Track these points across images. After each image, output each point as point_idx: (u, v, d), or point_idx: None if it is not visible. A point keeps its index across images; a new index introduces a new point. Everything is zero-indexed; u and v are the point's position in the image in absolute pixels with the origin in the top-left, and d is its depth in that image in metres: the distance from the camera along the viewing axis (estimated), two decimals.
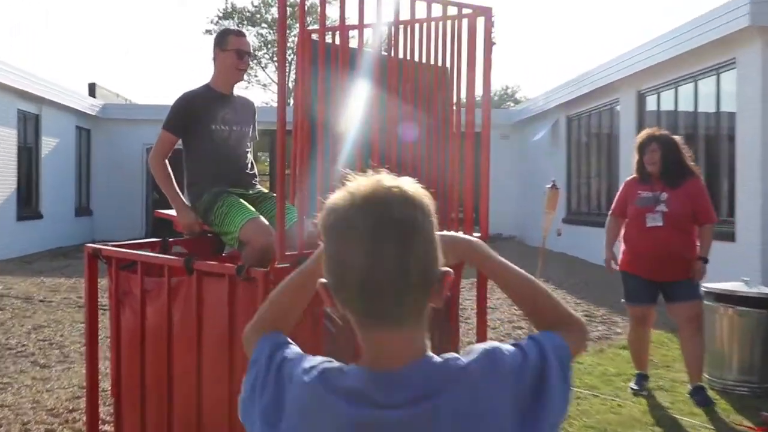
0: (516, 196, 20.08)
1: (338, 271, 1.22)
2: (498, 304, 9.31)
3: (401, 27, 3.67)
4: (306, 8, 3.34)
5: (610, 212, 5.76)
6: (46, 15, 69.19)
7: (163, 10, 67.94)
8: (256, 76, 39.74)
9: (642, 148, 5.56)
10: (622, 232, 5.62)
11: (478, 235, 3.99)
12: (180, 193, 4.31)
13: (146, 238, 17.80)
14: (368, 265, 1.17)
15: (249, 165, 4.45)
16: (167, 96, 73.19)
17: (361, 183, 1.25)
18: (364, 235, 1.18)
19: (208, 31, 38.36)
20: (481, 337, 4.13)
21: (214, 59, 4.38)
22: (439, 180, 3.84)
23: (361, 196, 1.23)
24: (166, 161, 4.32)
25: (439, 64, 3.83)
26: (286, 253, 3.02)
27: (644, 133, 5.65)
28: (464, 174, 3.95)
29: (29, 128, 16.49)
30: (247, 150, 4.45)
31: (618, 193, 5.76)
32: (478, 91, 3.96)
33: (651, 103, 12.84)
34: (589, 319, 8.43)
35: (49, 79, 16.73)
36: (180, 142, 4.33)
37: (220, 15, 38.56)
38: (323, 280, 1.26)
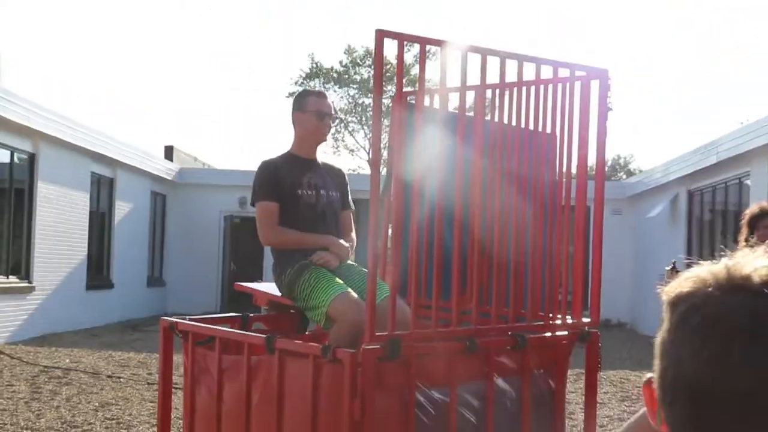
0: (628, 279, 19.69)
1: (695, 383, 0.95)
2: (606, 399, 9.08)
3: (507, 90, 3.73)
4: (403, 68, 3.42)
5: None
6: (125, 75, 70.94)
7: (244, 71, 68.21)
8: (343, 140, 40.40)
9: (754, 222, 5.37)
10: None
11: (588, 320, 3.95)
12: (312, 234, 4.35)
13: (222, 311, 18.21)
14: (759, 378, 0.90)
15: (340, 234, 4.52)
16: (247, 161, 74.42)
17: (723, 266, 1.03)
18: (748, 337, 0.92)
19: (291, 94, 39.18)
20: None
21: (294, 123, 4.51)
22: (545, 258, 3.83)
23: (734, 281, 0.98)
24: (279, 228, 4.35)
25: (548, 130, 3.86)
26: (377, 333, 3.05)
27: (757, 206, 5.47)
28: (573, 251, 3.93)
29: (103, 192, 17.17)
30: (337, 219, 4.53)
31: None
32: (590, 160, 3.97)
33: None
34: None
35: (124, 141, 17.45)
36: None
37: (304, 76, 39.26)
38: (650, 375, 1.07)
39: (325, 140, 4.62)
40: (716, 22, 67.55)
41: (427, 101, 3.73)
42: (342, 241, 4.38)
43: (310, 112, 4.42)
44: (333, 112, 4.53)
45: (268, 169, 4.40)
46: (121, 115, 66.16)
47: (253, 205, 4.41)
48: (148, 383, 9.21)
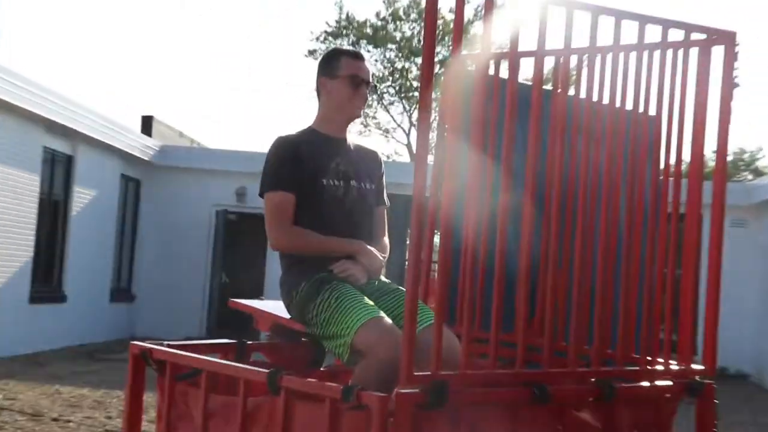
0: (754, 314, 19.49)
1: None
2: None
3: (598, 56, 3.73)
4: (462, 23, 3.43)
5: None
6: (124, 74, 76.42)
7: (250, 25, 72.41)
8: (375, 117, 40.29)
9: None
10: None
11: (701, 368, 3.93)
12: (332, 239, 4.38)
13: (209, 337, 18.20)
14: None
15: (369, 240, 4.52)
16: (249, 141, 77.01)
17: None
18: None
19: (311, 53, 39.08)
20: None
21: (319, 91, 4.52)
22: (643, 282, 3.82)
23: None
24: (295, 227, 4.37)
25: (650, 112, 3.85)
26: (417, 373, 3.06)
27: None
28: (681, 275, 3.92)
29: (57, 174, 17.21)
30: (369, 218, 4.54)
31: None
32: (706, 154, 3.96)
33: None
34: None
35: (89, 107, 17.53)
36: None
37: (329, 31, 39.06)
38: None
39: (360, 116, 4.63)
40: None
41: (491, 68, 3.74)
42: (374, 250, 4.39)
43: (343, 78, 4.44)
44: (370, 79, 4.53)
45: (286, 148, 4.40)
46: (93, 78, 70.26)
47: (261, 195, 4.42)
48: (106, 430, 9.23)
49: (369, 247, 4.39)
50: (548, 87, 3.92)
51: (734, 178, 46.73)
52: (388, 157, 34.42)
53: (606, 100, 3.73)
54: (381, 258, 4.43)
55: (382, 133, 40.51)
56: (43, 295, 16.71)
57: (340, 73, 4.44)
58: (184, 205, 20.84)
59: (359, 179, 4.48)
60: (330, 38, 38.63)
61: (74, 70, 72.60)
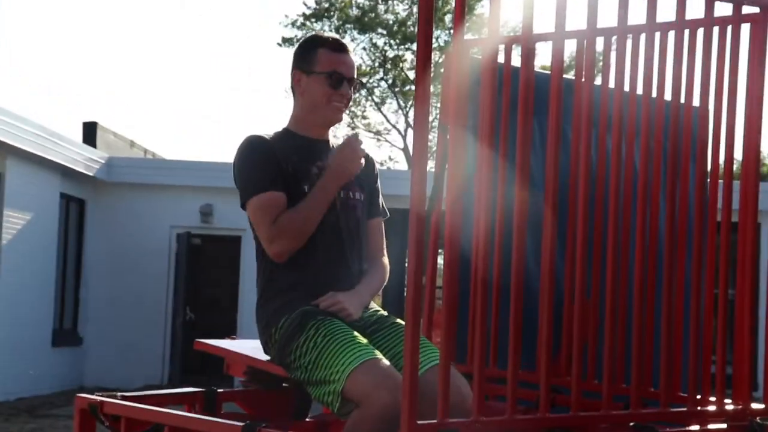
0: None
1: None
2: None
3: (628, 37, 3.74)
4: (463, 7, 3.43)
5: None
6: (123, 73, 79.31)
7: (243, 71, 76.09)
8: (364, 118, 40.20)
9: None
10: None
11: (762, 407, 3.94)
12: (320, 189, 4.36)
13: (172, 385, 18.19)
14: None
15: (363, 257, 4.51)
16: (213, 152, 78.54)
17: None
18: None
19: (285, 41, 38.77)
20: None
21: (294, 87, 4.50)
22: (688, 305, 3.83)
23: None
24: (278, 217, 4.29)
25: (694, 102, 3.87)
26: (420, 423, 3.06)
27: None
28: (735, 297, 3.93)
29: None
30: (358, 235, 4.53)
31: None
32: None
33: None
34: None
35: (19, 115, 17.48)
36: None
37: (308, 14, 38.81)
38: None
39: (340, 120, 4.58)
40: None
41: (500, 54, 3.75)
42: (363, 288, 4.40)
43: (320, 74, 4.43)
44: (354, 75, 4.50)
45: (262, 147, 4.38)
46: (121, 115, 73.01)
47: (243, 206, 4.37)
48: None
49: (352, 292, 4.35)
50: (570, 76, 3.93)
51: None
52: (381, 164, 34.36)
53: (640, 89, 3.74)
54: (378, 283, 4.41)
55: (374, 136, 40.38)
56: None
57: (317, 68, 4.40)
58: (139, 228, 20.79)
59: (345, 188, 4.46)
60: (308, 22, 38.49)
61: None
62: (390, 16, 38.82)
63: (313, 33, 4.01)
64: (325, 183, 4.30)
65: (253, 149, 4.38)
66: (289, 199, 4.30)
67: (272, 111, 79.32)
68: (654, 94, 3.74)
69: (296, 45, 4.53)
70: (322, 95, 4.39)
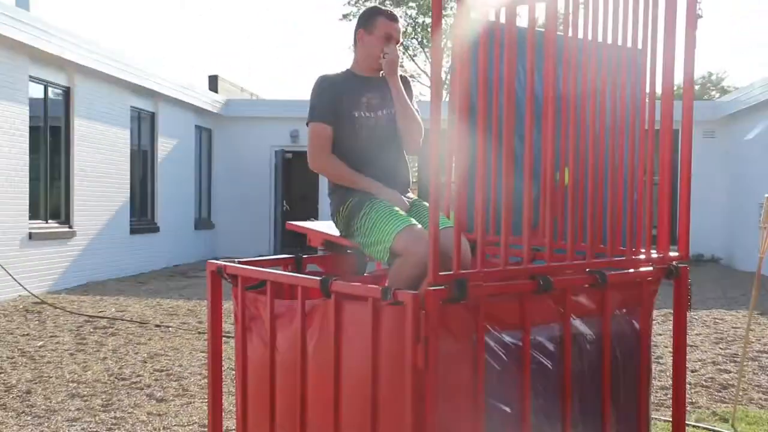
0: (722, 209, 19.39)
1: None
2: (699, 341, 9.02)
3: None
4: None
5: None
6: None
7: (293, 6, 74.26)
8: (402, 66, 40.02)
9: None
10: None
11: (676, 254, 3.91)
12: (363, 177, 4.35)
13: (276, 254, 18.42)
14: None
15: (402, 164, 4.51)
16: (298, 91, 78.81)
17: None
18: None
19: (345, 16, 38.82)
20: (679, 381, 4.02)
21: (356, 43, 4.47)
22: (626, 187, 3.78)
23: None
24: (332, 156, 4.36)
25: (629, 44, 3.78)
26: (441, 273, 3.05)
27: None
28: (659, 180, 3.87)
29: (144, 128, 17.36)
30: (398, 138, 4.51)
31: None
32: (678, 78, 3.88)
33: None
34: None
35: (164, 73, 17.55)
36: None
37: None
38: None
39: (392, 70, 4.53)
40: None
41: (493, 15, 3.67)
42: (396, 193, 4.35)
43: (377, 36, 4.39)
44: (401, 39, 4.49)
45: (325, 86, 4.39)
46: (161, 47, 71.46)
47: (307, 124, 4.42)
48: (199, 332, 9.41)
49: (394, 192, 4.34)
50: (541, 29, 3.84)
51: (705, 97, 46.22)
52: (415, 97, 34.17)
53: (591, 36, 3.66)
54: (403, 199, 4.35)
55: (410, 77, 40.28)
56: (140, 227, 16.94)
57: (376, 31, 4.39)
58: (249, 148, 20.94)
59: (388, 107, 4.45)
60: (360, 2, 38.34)
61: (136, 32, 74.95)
62: None
63: (374, 5, 3.98)
64: (371, 186, 4.30)
65: (319, 88, 4.40)
66: (342, 122, 4.35)
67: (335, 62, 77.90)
68: (600, 38, 3.66)
69: (360, 12, 4.52)
70: (378, 50, 4.38)
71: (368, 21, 4.43)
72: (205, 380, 6.77)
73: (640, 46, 3.80)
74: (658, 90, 3.84)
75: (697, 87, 51.91)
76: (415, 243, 3.89)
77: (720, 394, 6.78)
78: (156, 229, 17.65)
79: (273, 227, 20.87)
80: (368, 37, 4.41)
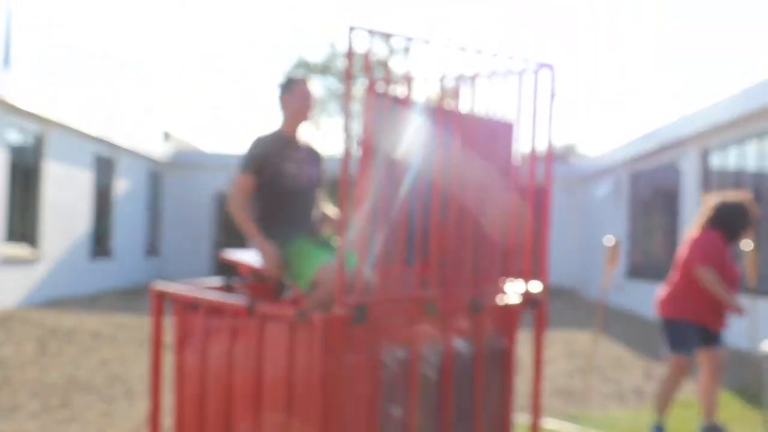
0: (577, 250, 19.86)
1: None
2: (556, 356, 9.16)
3: (467, 81, 3.71)
4: (373, 62, 3.39)
5: (705, 264, 5.45)
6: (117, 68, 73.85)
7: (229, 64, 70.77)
8: (320, 124, 40.08)
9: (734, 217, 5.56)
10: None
11: (538, 290, 3.97)
12: (257, 232, 4.27)
13: (213, 277, 18.15)
14: None
15: (314, 212, 4.50)
16: (236, 145, 76.67)
17: None
18: None
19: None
20: (536, 388, 4.07)
21: (283, 106, 4.46)
22: (499, 230, 3.83)
23: None
24: (244, 205, 4.29)
25: (503, 117, 3.86)
26: (346, 299, 3.04)
27: (734, 196, 5.63)
28: (524, 224, 3.94)
29: (104, 172, 17.01)
30: (314, 193, 4.50)
31: (707, 245, 5.52)
32: (543, 144, 3.97)
33: (715, 161, 12.65)
34: (649, 376, 8.23)
35: (122, 128, 17.27)
36: None
37: (294, 67, 39.00)
38: None
39: (309, 119, 4.53)
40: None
41: (398, 91, 3.71)
42: (272, 253, 4.18)
43: (299, 95, 4.38)
44: (314, 96, 4.49)
45: (259, 144, 4.34)
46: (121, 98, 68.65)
47: (238, 172, 4.34)
48: (144, 344, 9.20)
49: (271, 249, 4.16)
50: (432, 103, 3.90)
51: (567, 161, 47.41)
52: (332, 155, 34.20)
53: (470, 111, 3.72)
54: (274, 259, 4.15)
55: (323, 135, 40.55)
56: (98, 253, 16.54)
57: (295, 92, 4.37)
58: (192, 190, 20.64)
59: (309, 165, 4.44)
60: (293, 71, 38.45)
61: None
62: (342, 66, 38.79)
63: (290, 76, 3.95)
64: (256, 237, 4.17)
65: (253, 146, 4.33)
66: (272, 174, 4.29)
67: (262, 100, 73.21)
68: (483, 113, 3.73)
69: (282, 82, 4.46)
70: (298, 106, 4.37)
71: (289, 86, 4.41)
72: (149, 384, 6.60)
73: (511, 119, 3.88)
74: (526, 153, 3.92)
75: (561, 151, 53.27)
76: (330, 276, 3.87)
77: (570, 398, 6.89)
78: (111, 255, 17.24)
79: (212, 254, 20.59)
80: (290, 98, 4.38)
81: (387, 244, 3.41)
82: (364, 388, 3.23)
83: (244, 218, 4.24)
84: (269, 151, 4.30)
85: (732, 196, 5.67)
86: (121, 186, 17.66)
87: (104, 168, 16.97)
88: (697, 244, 5.49)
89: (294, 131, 4.45)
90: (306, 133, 4.52)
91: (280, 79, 4.67)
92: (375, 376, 3.24)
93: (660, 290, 5.82)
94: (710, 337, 5.54)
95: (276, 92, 4.48)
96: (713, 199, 5.69)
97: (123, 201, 17.77)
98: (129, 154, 17.90)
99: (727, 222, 5.53)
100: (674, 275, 5.63)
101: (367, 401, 3.24)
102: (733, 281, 5.46)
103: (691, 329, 5.48)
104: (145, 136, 18.87)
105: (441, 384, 3.58)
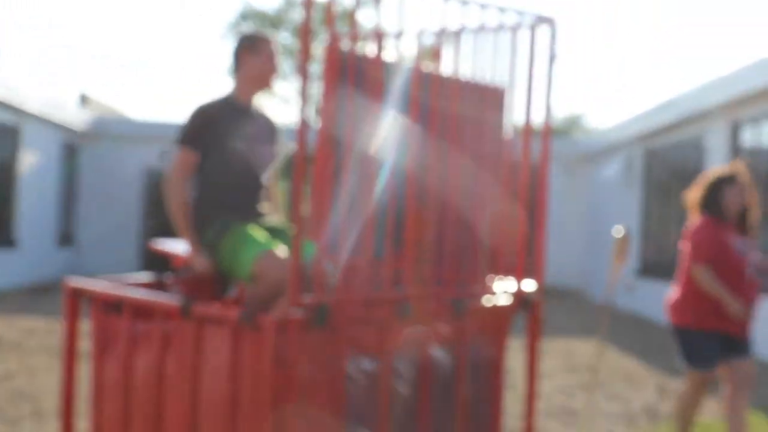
0: (580, 243, 19.98)
1: None
2: (552, 370, 9.23)
3: (450, 37, 3.72)
4: (337, 13, 3.38)
5: (699, 261, 5.60)
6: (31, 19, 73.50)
7: (164, 15, 71.19)
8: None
9: (721, 186, 5.62)
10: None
11: (532, 289, 4.00)
12: (187, 227, 4.27)
13: (141, 272, 18.05)
14: None
15: (263, 196, 4.48)
16: (172, 113, 77.00)
17: None
18: None
19: (224, 36, 38.63)
20: (530, 407, 4.10)
21: (239, 67, 4.39)
22: (486, 219, 3.85)
23: None
24: (180, 186, 4.26)
25: (493, 81, 3.87)
26: (303, 300, 3.04)
27: (724, 168, 5.72)
28: (517, 213, 3.96)
29: (6, 142, 16.80)
30: (266, 176, 4.47)
31: (697, 238, 5.62)
32: (540, 116, 3.99)
33: (747, 136, 12.79)
34: (664, 393, 8.32)
35: (31, 88, 17.05)
36: None
37: (238, 19, 38.79)
38: None
39: (270, 88, 4.49)
40: None
41: (366, 50, 3.70)
42: (200, 256, 4.26)
43: (265, 57, 4.33)
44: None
45: (203, 114, 4.27)
46: (31, 62, 68.84)
47: (177, 145, 4.31)
48: (57, 352, 9.13)
49: (198, 252, 4.27)
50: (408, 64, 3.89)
51: (569, 135, 47.73)
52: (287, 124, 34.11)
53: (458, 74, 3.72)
54: (203, 263, 4.26)
55: (282, 102, 40.44)
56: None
57: (262, 52, 4.32)
58: (118, 167, 20.44)
59: (262, 143, 4.40)
60: (241, 23, 38.17)
61: None
62: (298, 17, 38.59)
63: (258, 29, 3.96)
64: (186, 232, 4.25)
65: (195, 116, 4.29)
66: (216, 150, 4.28)
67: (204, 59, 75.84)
68: (465, 76, 3.73)
69: (241, 37, 4.40)
70: (264, 71, 4.37)
71: (253, 44, 4.35)
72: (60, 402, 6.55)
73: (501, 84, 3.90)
74: (519, 126, 3.94)
75: (559, 126, 53.60)
76: (271, 266, 3.87)
77: (569, 419, 6.95)
78: (14, 244, 17.06)
79: (138, 246, 20.43)
80: (253, 59, 4.33)
81: (352, 232, 3.41)
82: (323, 406, 3.23)
83: (176, 203, 4.22)
84: (215, 122, 4.25)
85: (719, 170, 5.74)
86: (27, 160, 17.46)
87: (5, 138, 16.78)
88: (689, 239, 5.56)
89: (249, 99, 4.40)
90: (263, 102, 4.49)
91: (230, 32, 4.63)
92: (337, 391, 3.25)
93: (670, 291, 5.88)
94: (734, 345, 5.59)
95: (233, 47, 4.40)
96: (700, 180, 5.78)
97: (29, 179, 17.57)
98: (37, 121, 17.69)
99: (715, 201, 5.61)
100: (680, 273, 5.69)
101: (328, 422, 3.25)
102: (739, 270, 5.50)
103: (705, 338, 5.51)
104: (58, 100, 18.68)
105: (416, 401, 3.59)
